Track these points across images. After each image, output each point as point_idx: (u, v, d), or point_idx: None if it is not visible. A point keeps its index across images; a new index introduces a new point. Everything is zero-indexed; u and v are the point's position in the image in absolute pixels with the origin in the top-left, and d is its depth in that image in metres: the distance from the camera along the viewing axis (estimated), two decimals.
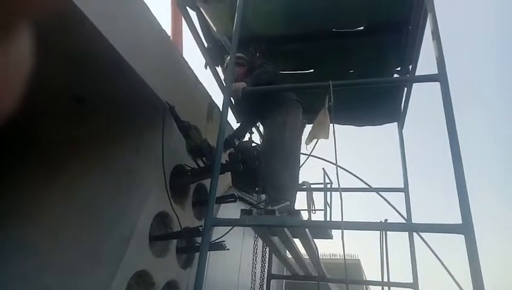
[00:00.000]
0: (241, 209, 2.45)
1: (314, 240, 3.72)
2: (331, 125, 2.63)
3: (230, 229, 2.82)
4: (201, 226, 3.07)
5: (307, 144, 2.78)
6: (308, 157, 3.17)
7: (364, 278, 15.56)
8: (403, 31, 3.80)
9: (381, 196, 4.34)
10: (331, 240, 4.06)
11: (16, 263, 2.80)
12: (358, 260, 14.38)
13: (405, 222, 3.20)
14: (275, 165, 2.95)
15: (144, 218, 3.03)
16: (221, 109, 3.07)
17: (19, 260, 2.81)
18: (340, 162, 2.79)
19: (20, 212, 3.13)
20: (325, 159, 4.52)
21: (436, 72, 2.60)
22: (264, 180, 3.11)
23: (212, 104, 4.40)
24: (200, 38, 4.29)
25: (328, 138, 2.62)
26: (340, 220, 2.29)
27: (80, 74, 2.96)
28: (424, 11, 3.17)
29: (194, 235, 3.04)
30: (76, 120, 3.56)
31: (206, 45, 4.38)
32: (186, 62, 3.90)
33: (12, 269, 2.79)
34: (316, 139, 2.70)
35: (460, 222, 2.11)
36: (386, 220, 2.40)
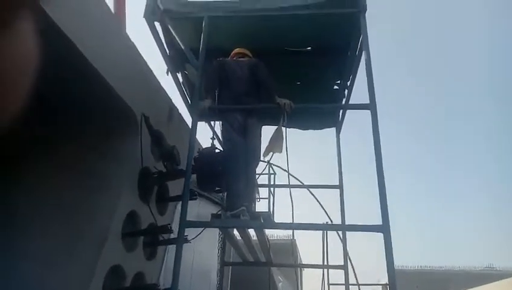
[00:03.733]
0: (212, 214, 2.92)
1: None
2: (284, 141, 3.19)
3: (202, 231, 3.27)
4: (169, 224, 3.49)
5: (264, 156, 3.30)
6: (266, 165, 3.68)
7: (298, 256, 16.96)
8: (343, 54, 4.44)
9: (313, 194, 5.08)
10: None
11: None
12: (295, 239, 15.72)
13: (340, 223, 3.88)
14: (228, 174, 3.36)
15: (116, 217, 3.36)
16: (190, 127, 3.43)
17: None
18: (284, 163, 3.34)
19: None
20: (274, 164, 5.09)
21: (368, 102, 3.24)
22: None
23: (172, 106, 4.74)
24: (163, 45, 4.57)
25: (281, 152, 3.17)
26: (291, 221, 2.87)
27: (49, 75, 3.14)
28: (361, 43, 3.80)
29: (164, 232, 3.45)
30: (44, 120, 3.70)
31: (168, 52, 4.67)
32: (151, 70, 4.18)
33: None
34: (272, 153, 3.23)
35: (380, 223, 2.79)
36: (327, 222, 3.05)
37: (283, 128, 3.21)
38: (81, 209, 3.40)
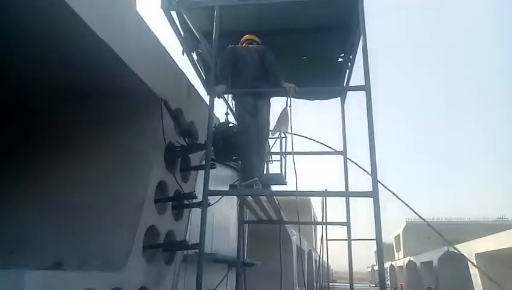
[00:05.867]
0: (230, 185, 3.51)
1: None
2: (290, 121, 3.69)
3: (220, 198, 3.89)
4: (194, 192, 4.13)
5: (272, 134, 3.82)
6: (275, 142, 4.22)
7: (313, 212, 18.00)
8: (347, 31, 4.77)
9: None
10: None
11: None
12: (309, 198, 16.67)
13: (342, 190, 4.40)
14: (242, 150, 3.90)
15: (150, 187, 4.01)
16: (208, 105, 3.92)
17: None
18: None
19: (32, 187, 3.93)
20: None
21: (363, 83, 3.67)
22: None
23: (189, 84, 5.23)
24: (178, 29, 4.97)
25: (287, 130, 3.68)
26: (295, 189, 3.45)
27: (81, 70, 3.64)
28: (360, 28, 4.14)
29: (189, 198, 4.09)
30: (79, 109, 4.28)
31: (182, 33, 5.07)
32: (170, 55, 4.64)
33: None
34: (279, 132, 3.75)
35: (371, 189, 3.33)
36: (326, 189, 3.60)
37: (288, 110, 3.70)
38: (122, 181, 4.05)
